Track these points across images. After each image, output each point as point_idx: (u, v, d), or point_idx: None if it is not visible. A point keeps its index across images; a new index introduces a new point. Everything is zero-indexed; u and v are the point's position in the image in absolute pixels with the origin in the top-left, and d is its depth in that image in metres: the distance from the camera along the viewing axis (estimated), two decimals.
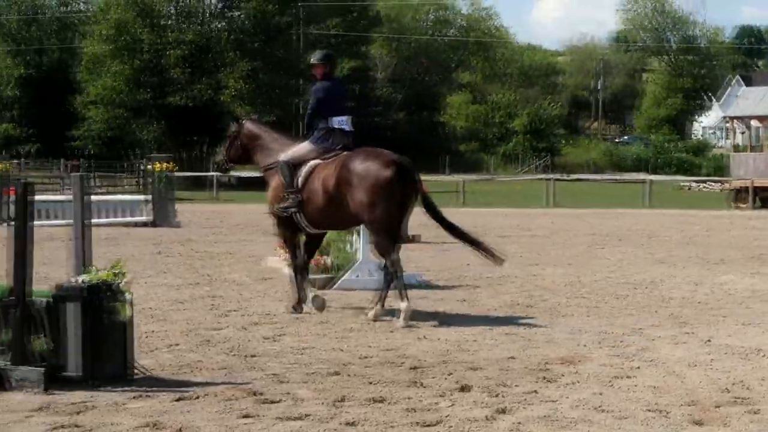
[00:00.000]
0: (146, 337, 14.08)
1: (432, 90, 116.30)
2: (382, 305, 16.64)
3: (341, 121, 16.91)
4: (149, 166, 44.80)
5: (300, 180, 16.52)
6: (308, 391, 11.43)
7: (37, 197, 32.24)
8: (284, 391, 11.39)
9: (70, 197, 13.56)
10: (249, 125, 18.16)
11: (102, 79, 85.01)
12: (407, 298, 16.19)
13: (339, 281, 19.90)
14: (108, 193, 54.75)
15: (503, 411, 10.47)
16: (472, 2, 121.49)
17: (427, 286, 20.58)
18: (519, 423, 10.00)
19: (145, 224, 38.42)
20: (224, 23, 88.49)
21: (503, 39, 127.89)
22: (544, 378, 12.09)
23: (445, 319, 16.58)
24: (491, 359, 13.24)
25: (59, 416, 10.22)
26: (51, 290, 11.84)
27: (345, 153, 16.53)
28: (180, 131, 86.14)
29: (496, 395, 11.21)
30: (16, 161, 61.92)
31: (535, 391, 11.40)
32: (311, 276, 18.78)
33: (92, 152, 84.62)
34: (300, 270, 17.27)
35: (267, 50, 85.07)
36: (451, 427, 9.90)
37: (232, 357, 13.34)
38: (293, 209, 16.50)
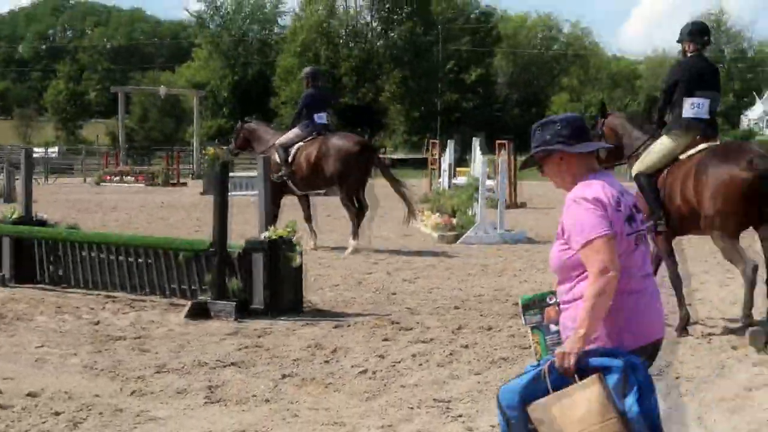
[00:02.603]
0: (314, 279, 14.10)
1: (540, 91, 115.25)
2: (356, 239, 17.89)
3: (320, 117, 18.13)
4: None
5: (290, 157, 17.78)
6: (434, 321, 11.38)
7: (239, 173, 32.65)
8: (416, 321, 11.36)
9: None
10: (249, 124, 19.86)
11: (291, 86, 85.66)
12: (357, 238, 17.80)
13: (463, 237, 19.78)
14: None
15: None
16: (572, 24, 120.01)
17: (530, 241, 20.33)
18: None
19: (319, 194, 38.49)
20: (383, 41, 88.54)
21: (596, 51, 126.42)
22: None
23: (543, 267, 16.38)
24: None
25: (246, 339, 10.30)
26: (243, 243, 11.92)
27: (322, 136, 17.93)
28: (349, 123, 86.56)
29: None
30: (225, 147, 62.36)
31: None
32: (442, 233, 19.41)
33: None
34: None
35: (415, 62, 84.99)
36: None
37: (378, 295, 13.33)
38: (285, 177, 17.78)
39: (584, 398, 4.46)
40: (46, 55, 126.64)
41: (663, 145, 10.82)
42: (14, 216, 14.41)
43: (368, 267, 16.26)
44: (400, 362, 9.28)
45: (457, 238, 19.88)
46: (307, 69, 19.57)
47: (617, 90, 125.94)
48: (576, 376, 4.52)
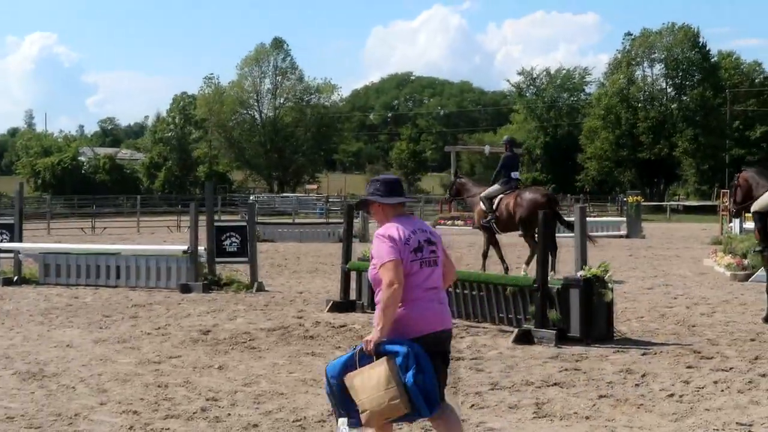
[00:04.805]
0: (622, 311, 13.73)
1: None
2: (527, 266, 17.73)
3: (515, 175, 18.75)
4: (625, 199, 44.31)
5: (495, 205, 18.33)
6: (733, 351, 10.83)
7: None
8: (716, 351, 10.84)
9: (573, 219, 13.48)
10: (460, 180, 20.51)
11: (594, 144, 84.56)
12: (528, 266, 17.67)
13: (754, 276, 18.75)
14: (597, 216, 54.25)
15: None
16: None
17: None
18: None
19: (621, 236, 37.74)
20: (677, 104, 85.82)
21: None
22: None
23: None
24: None
25: (565, 362, 10.13)
26: (561, 280, 11.76)
27: (518, 190, 18.51)
28: (645, 175, 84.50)
29: None
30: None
31: None
32: (735, 272, 18.74)
33: (588, 190, 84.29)
34: (485, 254, 18.79)
35: (705, 121, 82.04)
36: None
37: (679, 326, 12.80)
38: (491, 222, 18.39)
39: (377, 372, 5.51)
40: (392, 120, 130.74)
41: None
42: (368, 254, 14.87)
43: (668, 301, 15.69)
44: (703, 388, 8.86)
45: (748, 277, 18.88)
46: (506, 137, 20.59)
47: None
48: (374, 357, 5.56)
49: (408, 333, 5.60)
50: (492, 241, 18.73)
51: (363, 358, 5.60)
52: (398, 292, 5.56)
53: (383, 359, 5.52)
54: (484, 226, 18.63)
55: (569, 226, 18.16)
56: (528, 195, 18.15)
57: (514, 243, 20.60)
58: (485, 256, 18.74)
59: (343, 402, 5.66)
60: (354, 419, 5.67)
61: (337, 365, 5.71)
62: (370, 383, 5.50)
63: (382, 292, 5.61)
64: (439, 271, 5.85)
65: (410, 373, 5.45)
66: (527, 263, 17.92)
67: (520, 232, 18.72)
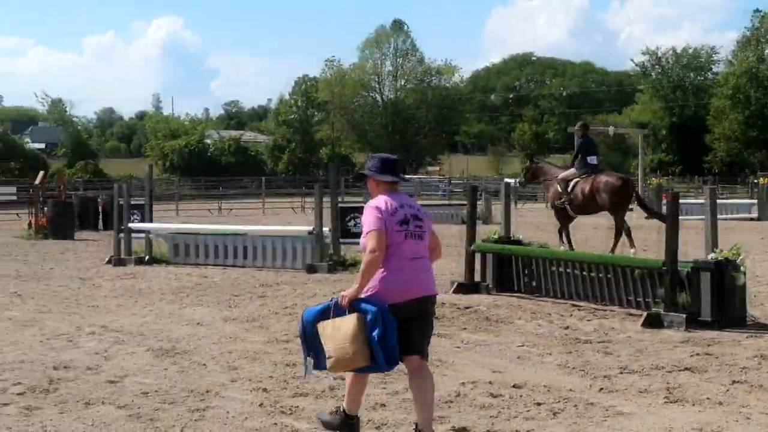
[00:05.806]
0: (754, 296, 13.32)
1: None
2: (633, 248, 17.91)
3: (592, 159, 18.84)
4: (756, 180, 43.01)
5: (569, 188, 18.57)
6: None
7: (683, 201, 31.55)
8: None
9: (703, 201, 13.18)
10: (537, 164, 20.65)
11: (722, 124, 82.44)
12: (633, 247, 17.95)
13: None
14: (727, 198, 52.88)
15: None
16: None
17: None
18: None
19: (752, 219, 36.67)
20: None
21: None
22: None
23: None
24: None
25: (696, 347, 9.91)
26: (691, 263, 11.49)
27: (594, 174, 18.59)
28: None
29: None
30: (666, 177, 60.76)
31: None
32: None
33: (717, 171, 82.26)
34: (566, 234, 18.82)
35: None
36: None
37: None
38: (566, 204, 18.58)
39: (347, 325, 6.14)
40: (513, 102, 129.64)
41: None
42: (496, 236, 14.88)
43: None
44: None
45: None
46: (579, 123, 20.44)
47: None
48: (347, 311, 6.18)
49: (393, 296, 6.22)
50: (564, 221, 18.96)
51: (337, 311, 6.25)
52: (378, 258, 6.20)
53: (354, 314, 6.16)
54: (557, 207, 18.92)
55: (649, 211, 19.42)
56: (604, 179, 18.42)
57: (599, 224, 20.07)
58: (561, 233, 18.91)
59: (313, 345, 6.35)
60: (321, 362, 6.36)
61: (313, 312, 6.40)
62: (339, 334, 6.16)
63: (364, 257, 6.22)
64: (424, 243, 6.46)
65: (376, 332, 6.08)
66: (611, 251, 17.55)
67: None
